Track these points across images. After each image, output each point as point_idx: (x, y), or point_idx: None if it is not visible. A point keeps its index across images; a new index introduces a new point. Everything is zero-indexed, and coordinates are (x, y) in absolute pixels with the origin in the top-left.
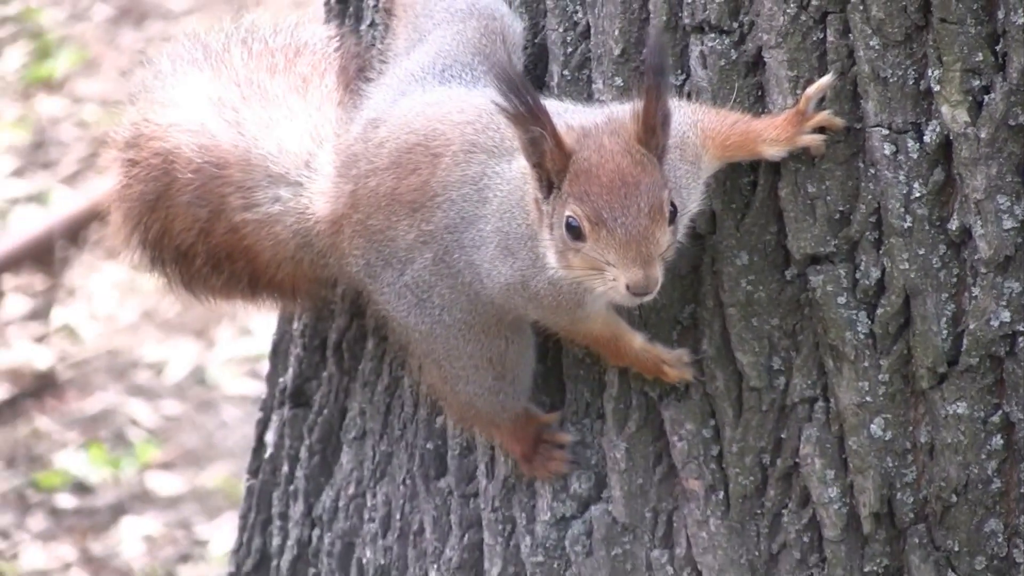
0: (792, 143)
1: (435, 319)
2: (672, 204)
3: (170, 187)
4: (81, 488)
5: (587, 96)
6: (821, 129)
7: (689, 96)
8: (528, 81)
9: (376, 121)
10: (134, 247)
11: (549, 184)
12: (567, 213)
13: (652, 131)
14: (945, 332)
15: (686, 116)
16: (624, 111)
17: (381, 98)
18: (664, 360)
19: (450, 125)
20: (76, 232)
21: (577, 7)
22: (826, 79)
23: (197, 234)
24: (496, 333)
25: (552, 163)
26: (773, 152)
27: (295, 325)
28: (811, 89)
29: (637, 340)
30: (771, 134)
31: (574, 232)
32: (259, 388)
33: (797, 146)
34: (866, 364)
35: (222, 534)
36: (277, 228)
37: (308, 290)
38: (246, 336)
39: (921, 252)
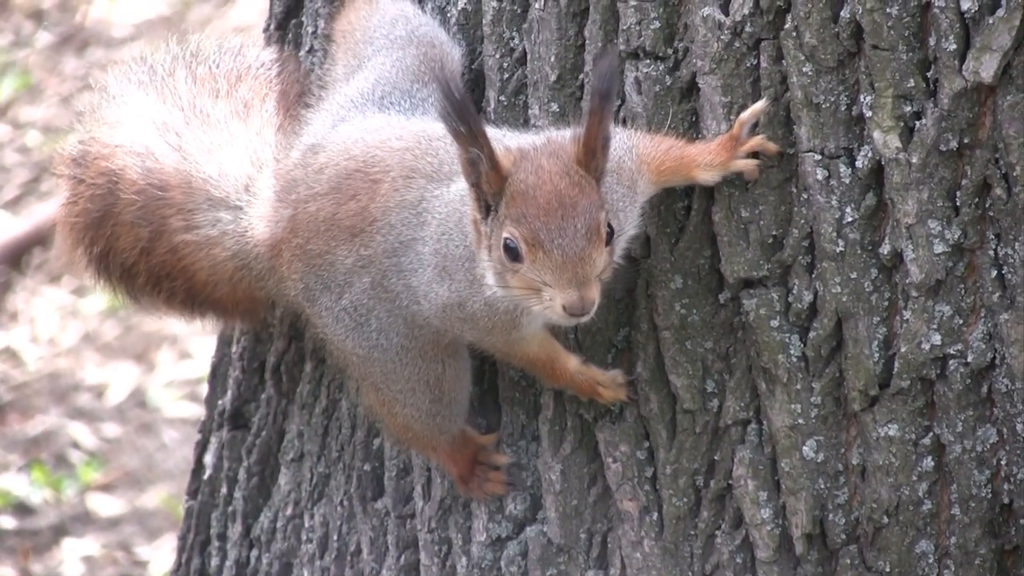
0: (726, 168)
1: (372, 343)
2: (609, 225)
3: (114, 206)
4: (22, 509)
5: (523, 122)
6: (755, 154)
7: (624, 122)
8: (471, 101)
9: (316, 147)
10: (82, 262)
11: (487, 205)
12: (504, 235)
13: (592, 154)
14: (877, 355)
15: (622, 141)
16: (563, 135)
17: (320, 124)
18: (599, 381)
19: (389, 151)
20: (18, 257)
21: (513, 33)
22: (759, 105)
23: (139, 253)
24: (433, 357)
25: (488, 185)
26: (707, 177)
27: (234, 348)
28: (745, 115)
29: (572, 362)
30: (706, 159)
31: (512, 253)
32: (199, 411)
33: (731, 171)
34: (799, 387)
35: (162, 555)
36: (216, 250)
37: (245, 310)
38: (186, 359)
39: (853, 276)
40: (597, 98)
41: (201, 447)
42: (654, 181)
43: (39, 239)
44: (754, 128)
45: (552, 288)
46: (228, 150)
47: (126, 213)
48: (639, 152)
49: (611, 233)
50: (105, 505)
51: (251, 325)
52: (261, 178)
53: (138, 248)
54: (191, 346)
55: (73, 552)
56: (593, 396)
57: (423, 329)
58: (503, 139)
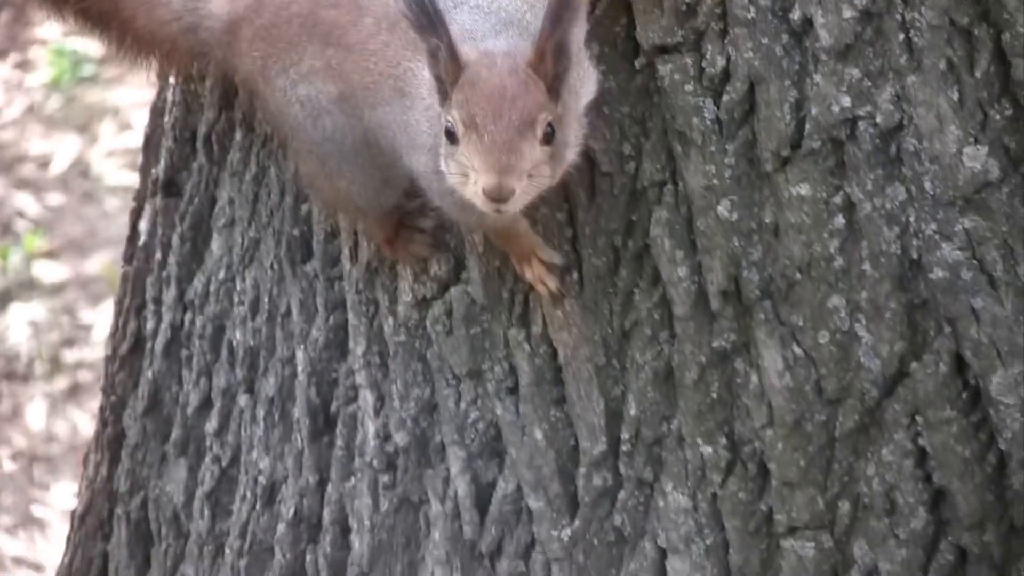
0: None
1: (326, 136)
2: (551, 126)
3: None
4: None
5: None
6: None
7: None
8: None
9: None
10: None
11: (446, 94)
12: (447, 118)
13: (542, 57)
14: (788, 117)
15: None
16: None
17: None
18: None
19: None
20: None
21: None
22: None
23: None
24: (389, 157)
25: (446, 74)
26: None
27: (166, 118)
28: None
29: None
30: None
31: (450, 136)
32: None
33: None
34: (713, 149)
35: (104, 318)
36: (160, 10)
37: (171, 60)
38: (127, 130)
39: (765, 41)
40: (555, 1)
41: (136, 215)
42: None
43: None
44: None
45: (476, 172)
46: None
47: None
48: None
49: (552, 133)
50: (49, 271)
51: (163, 71)
52: None
53: None
54: (132, 117)
55: (20, 317)
56: (523, 263)
57: (389, 155)
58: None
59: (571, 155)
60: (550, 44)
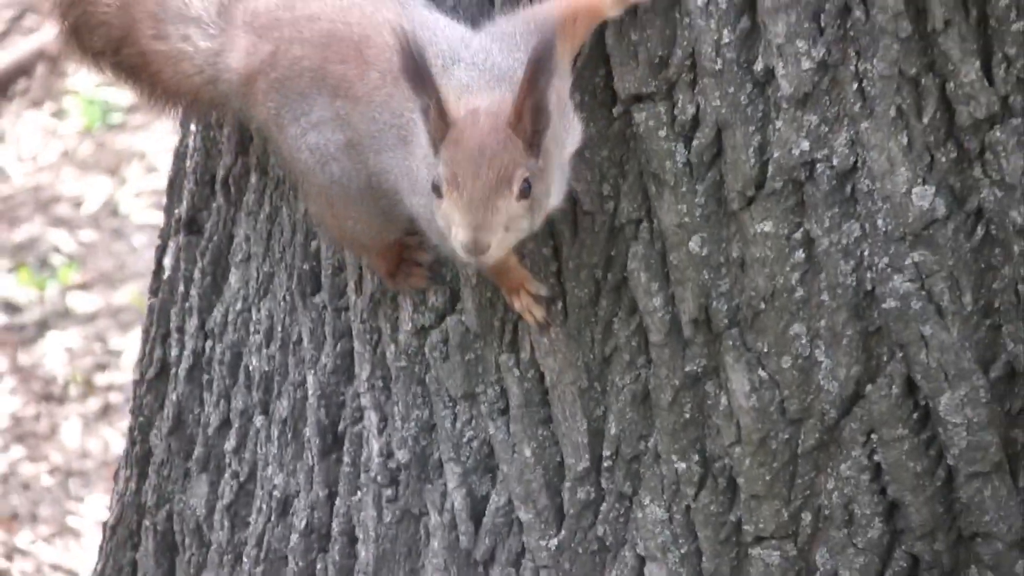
0: (627, 1)
1: (333, 180)
2: (527, 182)
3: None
4: (11, 307)
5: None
6: None
7: None
8: (425, 57)
9: None
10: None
11: (437, 150)
12: (436, 172)
13: (519, 117)
14: (753, 160)
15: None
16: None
17: None
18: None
19: (383, 43)
20: (5, 86)
21: None
22: None
23: (107, 45)
24: (392, 198)
25: (435, 131)
26: (615, 13)
27: (188, 163)
28: None
29: (512, 259)
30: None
31: (437, 191)
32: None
33: (631, 3)
34: (684, 189)
35: (133, 345)
36: (184, 65)
37: (194, 108)
38: (153, 172)
39: (731, 91)
40: (531, 66)
41: (161, 251)
42: (571, 51)
43: (23, 70)
44: None
45: (456, 226)
46: None
47: (99, 9)
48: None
49: (528, 188)
50: (83, 302)
51: (185, 120)
52: (237, 8)
53: (109, 47)
54: (157, 161)
55: (56, 343)
56: (513, 295)
57: (391, 196)
58: (476, 95)
59: (553, 202)
60: (527, 105)
